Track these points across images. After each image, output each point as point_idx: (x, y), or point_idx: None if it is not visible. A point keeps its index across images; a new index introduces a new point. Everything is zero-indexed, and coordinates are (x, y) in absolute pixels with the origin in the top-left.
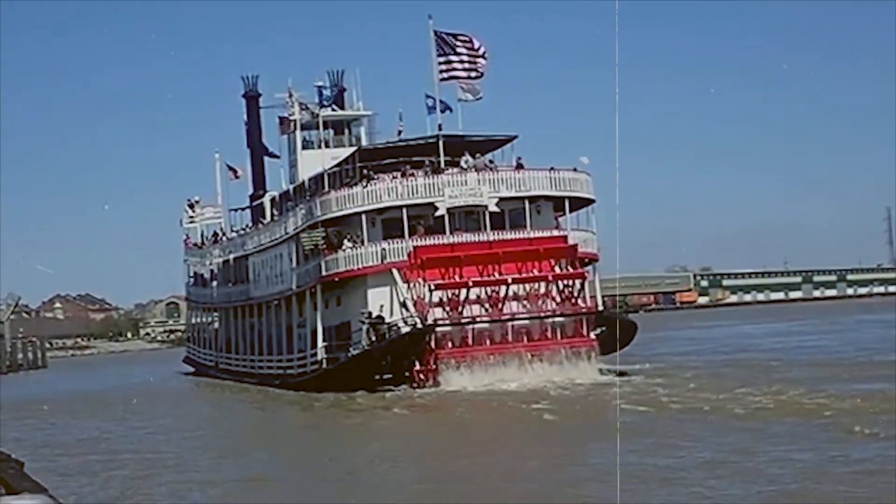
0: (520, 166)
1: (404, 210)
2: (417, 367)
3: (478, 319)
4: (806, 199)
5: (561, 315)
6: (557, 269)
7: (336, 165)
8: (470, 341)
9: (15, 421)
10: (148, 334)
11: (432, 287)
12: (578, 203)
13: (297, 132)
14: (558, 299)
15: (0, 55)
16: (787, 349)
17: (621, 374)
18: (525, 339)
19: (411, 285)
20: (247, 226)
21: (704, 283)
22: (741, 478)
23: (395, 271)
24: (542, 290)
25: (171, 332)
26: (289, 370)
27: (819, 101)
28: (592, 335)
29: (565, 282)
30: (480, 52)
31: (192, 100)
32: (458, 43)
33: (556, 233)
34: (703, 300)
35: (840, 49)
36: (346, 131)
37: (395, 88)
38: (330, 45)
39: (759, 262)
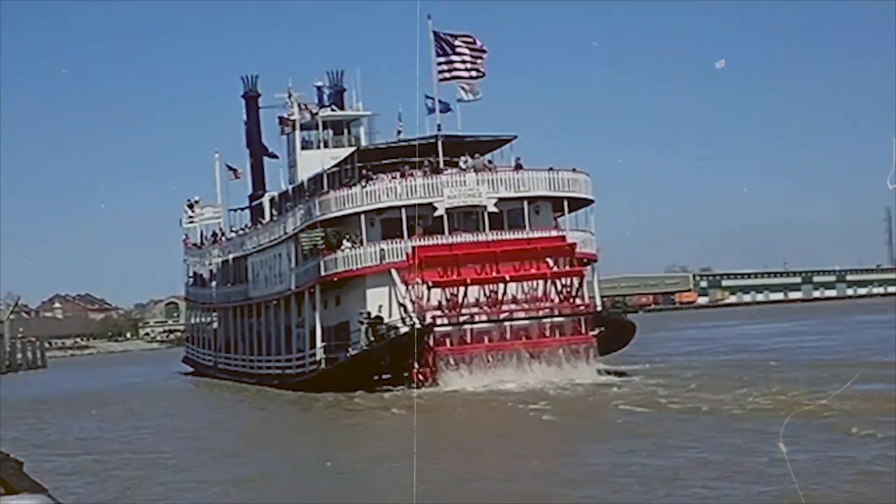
0: (518, 167)
1: (403, 210)
2: (416, 367)
3: (476, 319)
4: (805, 199)
5: (559, 315)
6: (556, 269)
7: (335, 166)
8: (469, 341)
9: (14, 420)
10: (147, 334)
11: (430, 284)
12: (577, 203)
13: (297, 132)
14: (557, 300)
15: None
16: (786, 349)
17: (620, 373)
18: (524, 338)
19: (410, 286)
20: (246, 226)
21: (704, 284)
22: (741, 478)
23: (393, 271)
24: (541, 290)
25: (171, 332)
26: (287, 370)
27: (819, 102)
28: (591, 334)
29: (563, 281)
30: (481, 51)
31: (191, 100)
32: (459, 43)
33: (554, 233)
34: (702, 300)
35: (840, 49)
36: (346, 131)
37: (394, 89)
38: (329, 45)
39: (758, 262)
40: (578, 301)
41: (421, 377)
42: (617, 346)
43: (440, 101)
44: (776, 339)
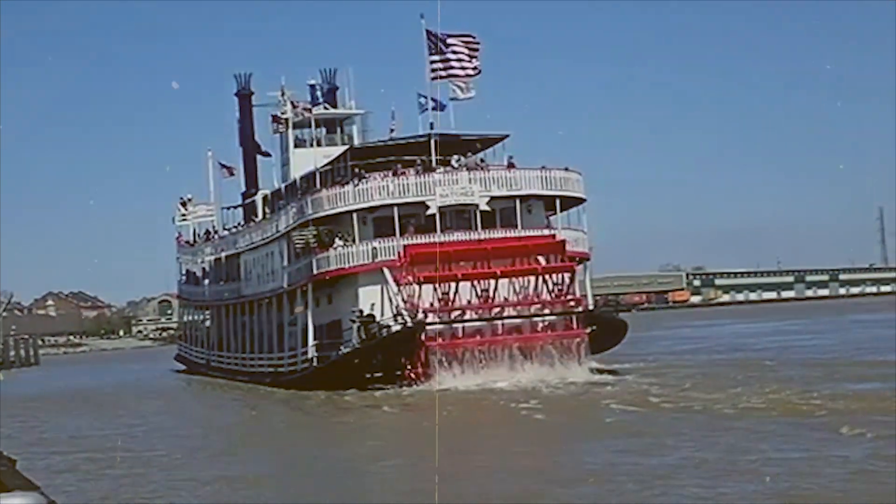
0: (511, 165)
1: (395, 209)
2: (408, 365)
3: (468, 317)
4: (798, 199)
5: (551, 314)
6: (546, 264)
7: (328, 164)
8: (460, 340)
9: (7, 418)
10: (140, 332)
11: (421, 280)
12: (569, 202)
13: (290, 130)
14: (548, 297)
15: None
16: (780, 349)
17: (613, 372)
18: (515, 345)
19: (402, 284)
20: (239, 224)
21: (697, 283)
22: (734, 477)
23: (386, 270)
24: (532, 287)
25: (164, 329)
26: (280, 368)
27: (813, 102)
28: (583, 330)
29: (555, 279)
30: (475, 49)
31: (185, 98)
32: (452, 41)
33: (546, 232)
34: (695, 299)
35: (833, 50)
36: (339, 130)
37: (388, 87)
38: (323, 43)
39: (751, 261)
40: (570, 297)
41: (413, 376)
42: (608, 344)
43: (433, 100)
44: (770, 337)
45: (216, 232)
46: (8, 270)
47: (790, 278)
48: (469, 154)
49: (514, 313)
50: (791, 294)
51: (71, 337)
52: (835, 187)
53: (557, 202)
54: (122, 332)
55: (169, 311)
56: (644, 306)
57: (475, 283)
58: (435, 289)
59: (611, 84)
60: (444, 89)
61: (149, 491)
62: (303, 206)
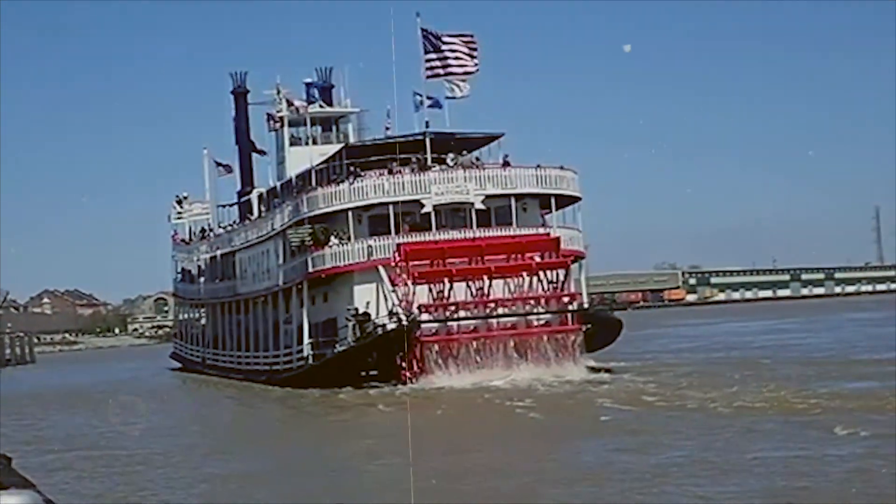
0: (506, 164)
1: (391, 207)
2: (403, 363)
3: (463, 316)
4: (794, 197)
5: (546, 312)
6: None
7: (323, 162)
8: (456, 338)
9: (3, 416)
10: (136, 330)
11: (416, 276)
12: (565, 201)
13: (285, 129)
14: (543, 294)
15: None
16: (776, 347)
17: (607, 370)
18: (510, 337)
19: (397, 284)
20: (234, 222)
21: (693, 281)
22: (730, 476)
23: (381, 268)
24: (526, 285)
25: (160, 327)
26: (275, 366)
27: (808, 101)
28: (578, 326)
29: (549, 276)
30: (472, 48)
31: (181, 96)
32: (448, 40)
33: (542, 230)
34: (691, 298)
35: (830, 48)
36: (334, 128)
37: (384, 85)
38: (318, 42)
39: (747, 260)
40: (564, 293)
41: (407, 374)
42: (603, 343)
43: (429, 98)
44: (766, 336)
45: (212, 230)
46: (4, 268)
47: (786, 277)
48: (464, 152)
49: (508, 310)
50: (787, 293)
51: (67, 335)
52: (831, 186)
53: (552, 201)
54: (117, 330)
55: (165, 309)
56: (640, 305)
57: (470, 282)
58: (430, 289)
59: (607, 83)
60: (440, 88)
61: (144, 489)
62: (298, 205)
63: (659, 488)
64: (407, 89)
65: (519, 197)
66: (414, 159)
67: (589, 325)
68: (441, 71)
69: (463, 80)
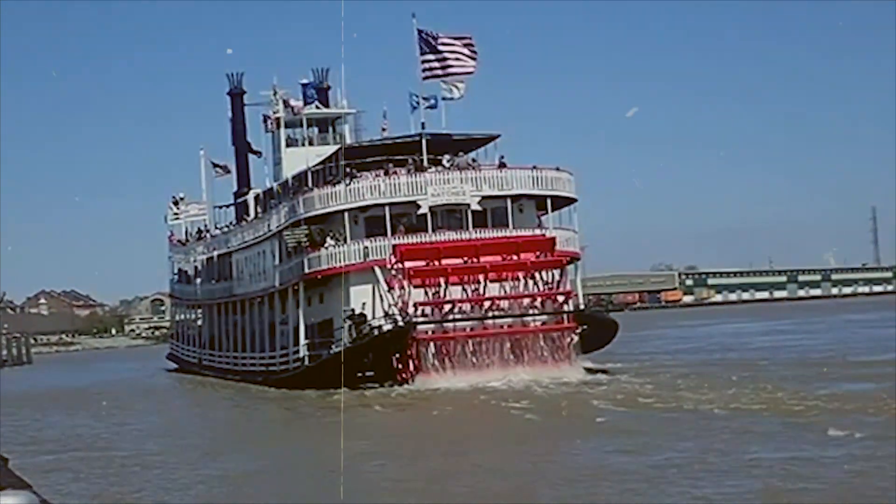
0: (502, 165)
1: (387, 208)
2: (399, 364)
3: (459, 317)
4: (791, 198)
5: (542, 312)
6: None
7: (320, 163)
8: (451, 342)
9: None
10: (133, 331)
11: (412, 273)
12: (561, 202)
13: (282, 130)
14: (539, 300)
15: None
16: (773, 348)
17: (604, 371)
18: (506, 336)
19: (393, 285)
20: (231, 223)
21: (689, 282)
22: (726, 477)
23: (377, 269)
24: (522, 286)
25: (156, 328)
26: (271, 367)
27: (805, 101)
28: (574, 324)
29: (545, 277)
30: (470, 49)
31: (177, 97)
32: (445, 40)
33: (538, 231)
34: (688, 299)
35: (827, 48)
36: (331, 129)
37: (381, 86)
38: (315, 43)
39: (744, 261)
40: (560, 289)
41: (404, 375)
42: (599, 344)
43: (425, 98)
44: (762, 337)
45: (208, 231)
46: (0, 269)
47: (783, 278)
48: (460, 154)
49: (504, 308)
50: (784, 294)
51: (63, 335)
52: (828, 187)
53: (548, 202)
54: (114, 331)
55: (162, 310)
56: (636, 306)
57: (465, 284)
58: (426, 291)
59: (604, 84)
60: (437, 89)
61: (140, 490)
62: (294, 206)
63: (657, 489)
64: (403, 90)
65: (515, 198)
66: (410, 160)
67: (585, 326)
68: (438, 72)
69: (460, 82)
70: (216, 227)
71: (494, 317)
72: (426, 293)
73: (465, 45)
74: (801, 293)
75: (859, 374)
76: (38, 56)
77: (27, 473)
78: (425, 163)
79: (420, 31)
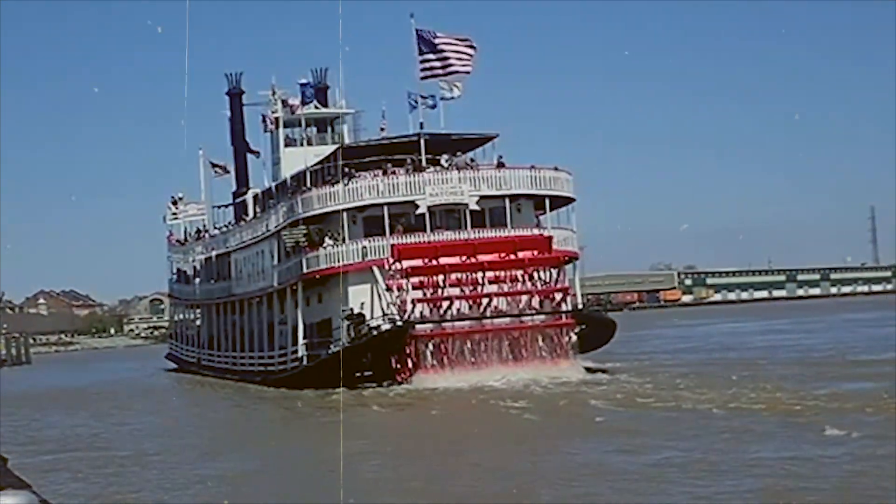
0: (500, 165)
1: (385, 208)
2: (398, 364)
3: (458, 317)
4: (790, 198)
5: (540, 311)
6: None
7: (318, 163)
8: (449, 339)
9: None
10: (132, 330)
11: (409, 270)
12: (559, 201)
13: (280, 130)
14: (537, 300)
15: None
16: (772, 348)
17: (603, 371)
18: (504, 336)
19: (391, 287)
20: (229, 223)
21: (688, 282)
22: (726, 477)
23: (375, 269)
24: (520, 284)
25: (155, 328)
26: (270, 367)
27: (804, 101)
28: (571, 320)
29: (543, 276)
30: (468, 49)
31: (176, 97)
32: (443, 40)
33: (536, 231)
34: (687, 298)
35: (827, 48)
36: (329, 129)
37: (381, 86)
38: (313, 42)
39: (743, 260)
40: (558, 286)
41: (402, 375)
42: (597, 343)
43: (422, 97)
44: (762, 337)
45: (207, 231)
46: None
47: (782, 277)
48: (459, 153)
49: (503, 309)
50: (783, 293)
51: (63, 335)
52: (826, 187)
53: (547, 202)
54: (113, 331)
55: (161, 309)
56: (635, 305)
57: (463, 286)
58: (424, 293)
59: (603, 83)
60: (435, 89)
61: (140, 489)
62: (293, 206)
63: (656, 488)
64: (401, 90)
65: (513, 198)
66: (408, 160)
67: (583, 326)
68: (439, 71)
69: (459, 81)
70: (215, 227)
71: (493, 316)
72: (424, 293)
73: (466, 45)
74: (800, 292)
75: (859, 373)
76: (39, 56)
77: (27, 473)
78: (423, 163)
79: (418, 31)
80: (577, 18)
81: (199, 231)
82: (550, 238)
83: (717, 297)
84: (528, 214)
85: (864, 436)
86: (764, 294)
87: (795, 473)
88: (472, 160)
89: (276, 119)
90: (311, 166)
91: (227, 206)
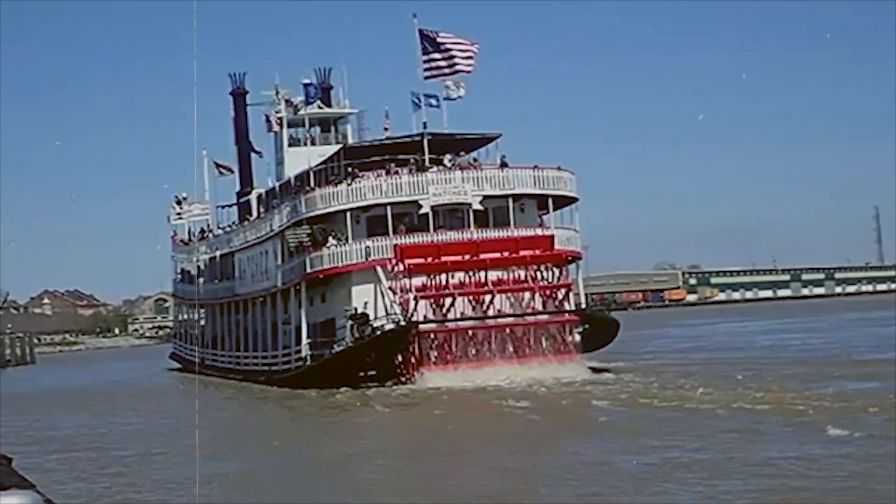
0: (504, 164)
1: (389, 208)
2: (401, 364)
3: (461, 316)
4: (794, 197)
5: (543, 313)
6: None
7: (322, 163)
8: (453, 338)
9: (3, 417)
10: (136, 330)
11: (411, 267)
12: (562, 201)
13: (284, 129)
14: (540, 300)
15: None
16: (777, 347)
17: (608, 371)
18: (508, 332)
19: (396, 292)
20: (233, 223)
21: (693, 281)
22: (729, 476)
23: (379, 269)
24: (522, 276)
25: (160, 328)
26: (274, 367)
27: (808, 101)
28: (575, 317)
29: (544, 272)
30: (470, 49)
31: (180, 97)
32: (445, 41)
33: (539, 231)
34: (691, 298)
35: (831, 47)
36: (333, 129)
37: (383, 86)
38: (317, 42)
39: (747, 260)
40: (561, 283)
41: (405, 374)
42: (600, 343)
43: (426, 96)
44: (767, 336)
45: (211, 231)
46: (4, 269)
47: (786, 277)
48: (462, 153)
49: (506, 305)
50: (787, 292)
51: (67, 335)
52: (831, 186)
53: (550, 201)
54: (118, 331)
55: (165, 307)
56: (640, 305)
57: (466, 286)
58: (427, 292)
59: (605, 82)
60: (439, 88)
61: (143, 489)
62: (297, 205)
63: (660, 488)
64: (405, 90)
65: (516, 198)
66: (412, 160)
67: (586, 325)
68: (445, 70)
69: (462, 81)
70: (219, 227)
71: (495, 316)
72: (427, 293)
73: (469, 44)
74: (805, 292)
75: (864, 372)
76: (41, 56)
77: (31, 473)
78: (427, 162)
79: (421, 31)
80: (578, 18)
81: (203, 231)
82: (552, 237)
83: (722, 296)
84: (532, 214)
85: (869, 436)
86: (768, 293)
87: (801, 473)
88: (475, 160)
89: (280, 119)
90: (315, 166)
91: (230, 205)
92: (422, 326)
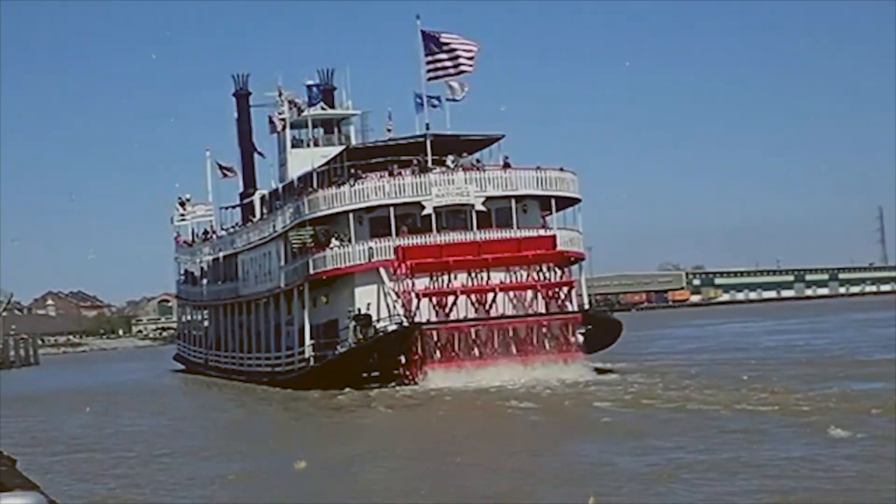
0: (506, 165)
1: (391, 209)
2: (404, 365)
3: (464, 317)
4: (798, 197)
5: (545, 313)
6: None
7: (324, 164)
8: (456, 337)
9: (7, 418)
10: (140, 332)
11: (414, 266)
12: (565, 202)
13: (287, 131)
14: (542, 300)
15: None
16: (781, 348)
17: (611, 371)
18: (511, 332)
19: (400, 294)
20: (237, 224)
21: (697, 282)
22: (734, 477)
23: (382, 270)
24: (525, 276)
25: (163, 329)
26: (277, 368)
27: (812, 101)
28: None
29: (546, 272)
30: (471, 49)
31: (183, 98)
32: (447, 41)
33: (542, 232)
34: (695, 298)
35: (835, 47)
36: (336, 130)
37: (388, 86)
38: (320, 44)
39: (751, 260)
40: (563, 281)
41: (409, 375)
42: (603, 344)
43: (429, 97)
44: (771, 337)
45: (214, 232)
46: (7, 270)
47: (790, 277)
48: (464, 154)
49: (508, 307)
50: (791, 293)
51: (71, 336)
52: (834, 186)
53: (553, 202)
54: (121, 332)
55: (169, 307)
56: (643, 306)
57: (468, 287)
58: (430, 293)
59: (609, 83)
60: (441, 89)
61: (147, 490)
62: (300, 206)
63: (663, 488)
64: (408, 91)
65: (519, 198)
66: (415, 161)
67: (589, 326)
68: (451, 70)
69: (464, 80)
70: (222, 228)
71: (498, 318)
72: (430, 293)
73: (470, 45)
74: (809, 292)
75: (868, 373)
76: (44, 56)
77: (35, 474)
78: (430, 163)
79: (424, 32)
80: (581, 18)
81: (206, 232)
82: (555, 237)
83: (726, 297)
84: (534, 215)
85: (872, 437)
86: (772, 294)
87: (804, 474)
88: (478, 161)
89: (283, 120)
90: (318, 167)
91: (234, 207)
92: (424, 326)
